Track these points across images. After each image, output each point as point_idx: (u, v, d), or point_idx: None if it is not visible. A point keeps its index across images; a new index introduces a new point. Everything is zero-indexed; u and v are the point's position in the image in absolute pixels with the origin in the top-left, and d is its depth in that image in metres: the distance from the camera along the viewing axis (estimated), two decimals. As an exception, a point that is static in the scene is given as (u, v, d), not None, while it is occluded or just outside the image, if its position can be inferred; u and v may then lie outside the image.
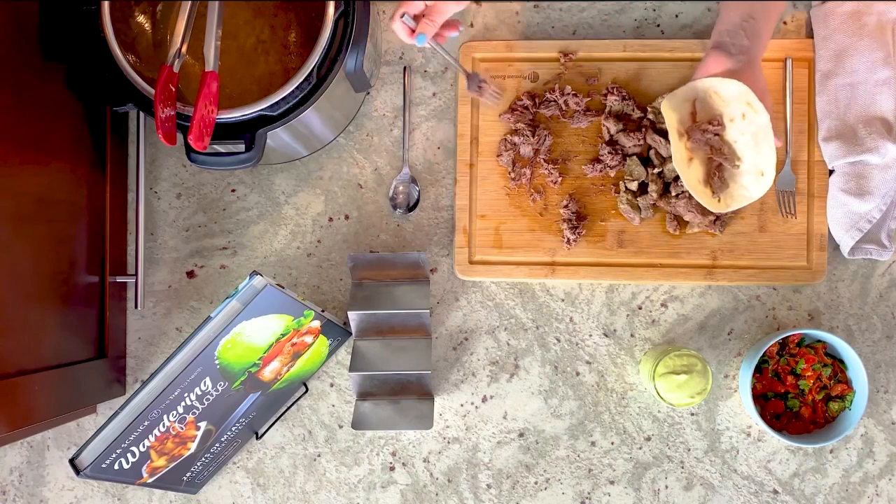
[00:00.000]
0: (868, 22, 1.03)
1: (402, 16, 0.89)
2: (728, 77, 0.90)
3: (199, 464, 1.02)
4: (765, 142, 0.92)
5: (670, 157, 1.01)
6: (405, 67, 1.10)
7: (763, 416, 1.01)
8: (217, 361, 0.89)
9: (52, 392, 0.94)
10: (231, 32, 0.97)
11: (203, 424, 0.95)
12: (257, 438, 1.08)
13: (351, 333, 1.06)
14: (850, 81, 1.03)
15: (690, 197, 1.00)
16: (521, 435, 1.08)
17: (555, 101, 1.06)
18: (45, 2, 0.93)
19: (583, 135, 1.07)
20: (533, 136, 1.05)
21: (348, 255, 1.03)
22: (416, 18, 0.90)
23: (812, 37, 1.06)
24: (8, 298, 0.87)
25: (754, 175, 0.93)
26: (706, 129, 0.93)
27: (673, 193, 1.03)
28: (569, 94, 1.06)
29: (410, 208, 1.09)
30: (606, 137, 1.06)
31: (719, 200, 0.95)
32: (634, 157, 1.04)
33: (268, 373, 0.98)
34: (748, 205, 1.02)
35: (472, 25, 1.10)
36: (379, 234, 1.10)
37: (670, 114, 0.94)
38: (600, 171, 1.05)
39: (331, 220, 1.11)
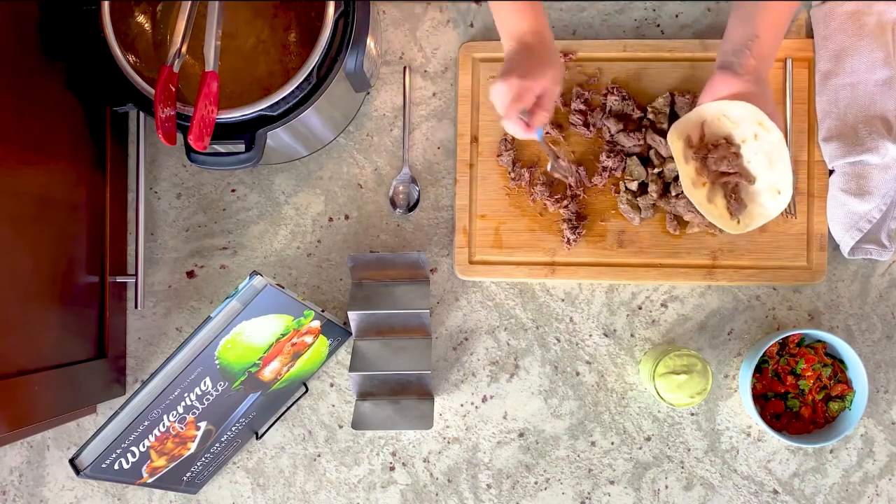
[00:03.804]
0: (868, 22, 1.03)
1: (521, 112, 0.84)
2: (737, 99, 0.86)
3: (199, 464, 1.02)
4: (779, 159, 0.90)
5: (670, 156, 1.00)
6: (405, 67, 1.10)
7: (763, 416, 1.01)
8: (217, 361, 0.89)
9: (52, 392, 0.94)
10: (231, 32, 0.97)
11: (203, 424, 0.95)
12: (257, 438, 1.08)
13: (351, 333, 1.06)
14: (850, 81, 1.03)
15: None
16: (521, 435, 1.08)
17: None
18: (45, 2, 0.93)
19: (583, 136, 1.07)
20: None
21: (348, 255, 1.04)
22: (530, 112, 0.86)
23: (812, 37, 1.06)
24: (8, 298, 0.87)
25: (771, 193, 0.92)
26: (719, 144, 0.91)
27: (673, 193, 1.03)
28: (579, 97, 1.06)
29: (410, 208, 1.09)
30: (607, 137, 1.06)
31: (738, 222, 0.94)
32: (634, 157, 1.04)
33: (268, 373, 0.98)
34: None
35: (472, 25, 1.10)
36: (379, 234, 1.10)
37: (676, 142, 0.92)
38: (608, 176, 1.05)
39: (331, 220, 1.10)
